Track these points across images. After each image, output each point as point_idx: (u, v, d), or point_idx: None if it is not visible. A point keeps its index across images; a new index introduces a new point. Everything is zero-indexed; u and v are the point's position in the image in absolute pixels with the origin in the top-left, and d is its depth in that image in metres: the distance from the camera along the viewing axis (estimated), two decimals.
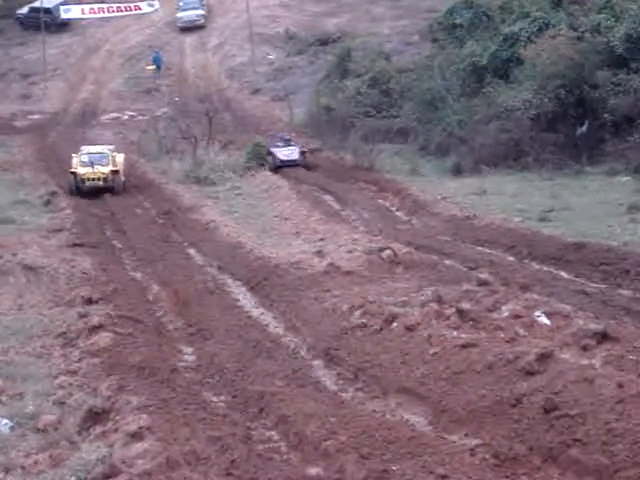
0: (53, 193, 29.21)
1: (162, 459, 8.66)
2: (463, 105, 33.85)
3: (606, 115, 29.47)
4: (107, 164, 30.32)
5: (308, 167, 33.88)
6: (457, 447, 9.86)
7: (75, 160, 30.82)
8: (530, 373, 10.98)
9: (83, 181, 29.90)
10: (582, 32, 31.44)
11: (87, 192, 29.81)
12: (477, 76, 34.79)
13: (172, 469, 8.49)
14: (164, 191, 30.46)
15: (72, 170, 30.22)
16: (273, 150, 33.97)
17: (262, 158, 33.90)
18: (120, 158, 31.46)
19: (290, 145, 34.50)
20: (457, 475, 8.82)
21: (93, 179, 29.88)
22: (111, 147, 32.11)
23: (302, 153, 34.12)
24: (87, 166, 30.06)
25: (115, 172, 30.35)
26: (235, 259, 20.88)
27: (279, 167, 33.27)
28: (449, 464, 9.13)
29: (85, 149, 31.44)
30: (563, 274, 18.22)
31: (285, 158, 33.60)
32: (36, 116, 44.52)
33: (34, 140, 39.79)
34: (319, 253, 20.49)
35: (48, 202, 28.05)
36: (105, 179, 30.03)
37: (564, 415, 9.80)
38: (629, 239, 19.41)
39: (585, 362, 11.29)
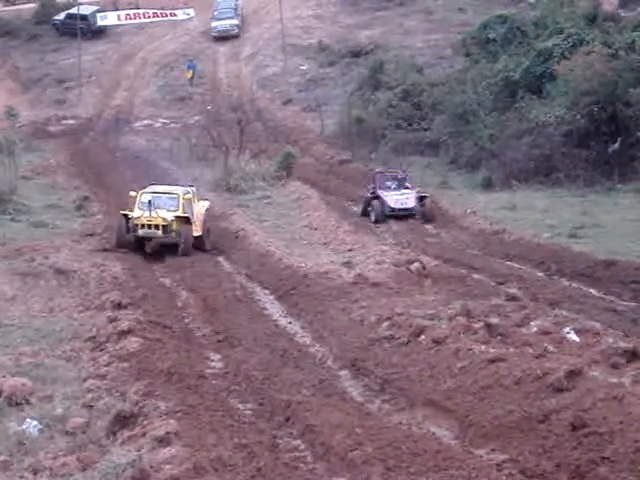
0: (85, 198, 29.41)
1: (189, 465, 8.70)
2: (495, 119, 33.80)
3: (639, 133, 29.30)
4: (173, 209, 23.07)
5: (429, 218, 26.99)
6: (484, 462, 9.82)
7: (131, 200, 23.87)
8: (559, 390, 10.93)
9: (135, 228, 22.76)
10: (616, 49, 31.34)
11: (139, 244, 22.98)
12: (509, 91, 34.74)
13: (199, 475, 8.53)
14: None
15: (124, 212, 23.19)
16: (381, 194, 27.31)
17: (368, 205, 27.61)
18: (202, 207, 24.19)
19: (404, 187, 27.85)
20: None
21: (148, 226, 22.60)
22: (192, 189, 24.62)
23: (421, 199, 27.28)
24: (150, 209, 22.77)
25: (184, 221, 22.77)
26: (264, 268, 20.94)
27: (388, 216, 26.99)
28: (475, 479, 9.10)
29: (151, 188, 24.12)
30: (593, 291, 18.13)
31: (397, 205, 27.06)
32: (70, 121, 44.91)
33: (68, 145, 40.13)
34: (347, 264, 20.52)
35: (80, 207, 28.27)
36: (165, 229, 22.58)
37: (592, 433, 9.74)
38: None
39: (614, 380, 11.21)
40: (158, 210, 22.71)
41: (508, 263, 21.06)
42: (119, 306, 17.03)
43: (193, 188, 24.61)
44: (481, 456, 10.10)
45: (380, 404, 12.56)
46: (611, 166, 29.43)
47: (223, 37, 54.16)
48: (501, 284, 18.76)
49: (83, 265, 20.41)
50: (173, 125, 43.65)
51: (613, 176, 29.09)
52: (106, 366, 13.49)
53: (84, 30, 51.57)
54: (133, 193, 23.77)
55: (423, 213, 26.99)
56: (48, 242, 22.82)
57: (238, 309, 17.67)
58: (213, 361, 14.62)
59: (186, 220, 22.70)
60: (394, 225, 26.72)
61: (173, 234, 22.56)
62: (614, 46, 31.70)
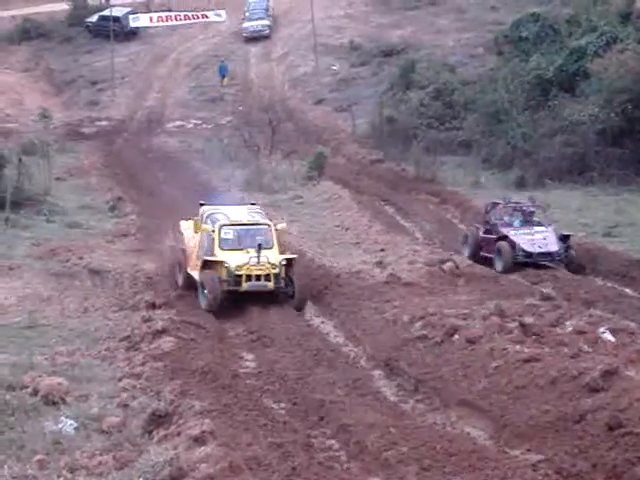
0: (118, 199, 29.59)
1: (225, 464, 8.75)
2: (527, 118, 33.57)
3: None
4: (267, 246, 18.09)
5: (577, 267, 20.23)
6: (519, 462, 9.79)
7: (188, 233, 19.20)
8: (594, 389, 10.88)
9: (236, 280, 17.59)
10: None
11: (240, 298, 17.78)
12: (542, 89, 34.49)
13: (234, 474, 8.57)
14: (226, 198, 30.65)
15: (209, 258, 18.02)
16: (507, 232, 20.85)
17: (479, 247, 21.52)
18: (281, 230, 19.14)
19: (534, 223, 21.30)
20: None
21: (257, 277, 17.67)
22: (256, 208, 19.90)
23: (563, 239, 20.66)
24: (235, 249, 17.99)
25: (288, 264, 18.11)
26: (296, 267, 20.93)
27: (521, 264, 20.29)
28: (511, 479, 9.08)
29: (213, 210, 19.11)
30: (627, 291, 18.01)
31: (535, 249, 20.34)
32: (103, 123, 45.17)
33: (101, 146, 40.38)
34: (380, 264, 20.49)
35: (113, 207, 28.43)
36: (277, 278, 17.80)
37: (629, 433, 9.69)
38: None
39: None
40: (249, 249, 17.83)
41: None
42: (153, 306, 17.14)
43: (257, 207, 19.86)
44: (516, 456, 10.07)
45: (414, 404, 12.56)
46: None
47: (254, 38, 54.22)
48: (535, 284, 18.67)
49: (117, 265, 20.54)
50: (205, 126, 43.77)
51: None
52: (141, 366, 13.59)
53: (117, 32, 51.84)
54: (185, 220, 19.31)
55: (570, 260, 20.24)
56: (82, 242, 22.99)
57: (271, 309, 17.68)
58: (247, 360, 14.68)
59: (290, 264, 18.04)
60: (426, 225, 26.65)
61: (283, 283, 17.85)
62: None
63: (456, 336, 14.15)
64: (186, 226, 19.65)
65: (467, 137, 35.50)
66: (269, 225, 18.61)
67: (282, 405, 12.43)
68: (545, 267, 20.28)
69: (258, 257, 17.66)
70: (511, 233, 20.89)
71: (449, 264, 19.90)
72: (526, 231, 20.89)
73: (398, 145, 36.44)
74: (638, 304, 16.67)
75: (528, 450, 10.18)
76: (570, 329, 13.92)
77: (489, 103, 34.99)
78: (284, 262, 17.95)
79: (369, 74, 46.92)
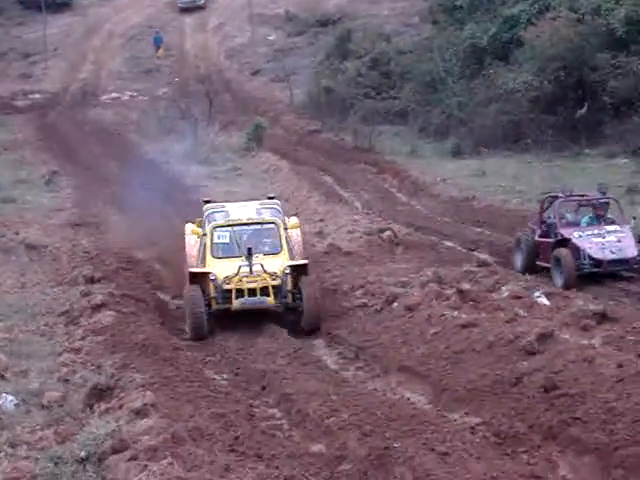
0: (54, 173, 29.21)
1: (167, 435, 8.78)
2: (463, 87, 33.83)
3: (605, 97, 29.46)
4: (274, 250, 14.99)
5: None
6: (458, 425, 9.98)
7: (191, 239, 15.64)
8: (530, 353, 11.11)
9: (224, 297, 14.36)
10: (582, 14, 31.36)
11: (233, 315, 14.59)
12: (477, 58, 34.73)
13: (177, 445, 8.61)
14: (164, 171, 30.47)
15: (193, 269, 14.81)
16: (569, 234, 16.67)
17: (535, 254, 17.00)
18: (295, 233, 15.81)
19: (607, 221, 17.01)
20: (458, 452, 8.93)
21: (251, 291, 14.28)
22: (276, 203, 16.13)
23: None
24: (232, 256, 14.68)
25: (298, 273, 14.64)
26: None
27: (588, 275, 16.11)
28: (450, 442, 9.25)
29: (215, 207, 15.79)
30: None
31: (606, 256, 16.15)
32: (37, 96, 44.46)
33: (35, 120, 39.77)
34: (320, 234, 20.59)
35: (49, 181, 28.08)
36: (279, 291, 14.37)
37: (564, 394, 9.92)
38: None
39: (585, 342, 11.42)
40: (258, 260, 14.35)
41: (479, 229, 21.22)
42: (92, 280, 17.00)
43: (277, 201, 16.22)
44: (455, 420, 10.26)
45: (355, 371, 12.70)
46: (578, 131, 29.57)
47: (189, 8, 53.71)
48: (472, 250, 18.93)
49: (54, 240, 20.34)
50: (141, 98, 43.33)
51: (581, 141, 29.26)
52: (81, 340, 13.51)
53: (49, 3, 50.96)
54: (193, 222, 15.95)
55: None
56: (18, 217, 22.70)
57: None
58: (187, 333, 14.65)
59: (303, 269, 14.57)
60: (364, 194, 26.79)
61: (290, 297, 14.41)
62: (580, 11, 31.73)
63: (395, 304, 14.32)
64: (190, 230, 15.82)
65: (404, 106, 35.69)
66: (275, 224, 14.96)
67: (224, 376, 12.49)
68: (616, 276, 16.27)
69: (250, 265, 14.11)
70: (574, 235, 16.46)
71: (388, 233, 20.09)
72: (594, 232, 16.47)
73: (336, 115, 36.51)
74: None
75: (466, 413, 10.38)
76: (506, 294, 14.17)
77: (425, 72, 35.18)
78: (288, 270, 14.28)
79: (305, 44, 46.86)
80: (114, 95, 44.27)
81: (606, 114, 29.70)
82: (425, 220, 22.73)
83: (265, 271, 14.24)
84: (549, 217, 17.44)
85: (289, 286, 14.37)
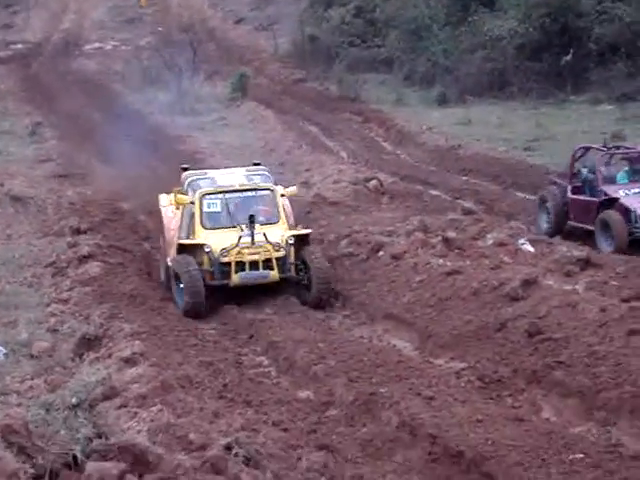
0: (38, 124, 29.02)
1: (156, 383, 8.88)
2: (448, 34, 33.67)
3: (591, 44, 29.44)
4: (271, 220, 13.78)
5: None
6: (443, 370, 10.14)
7: (168, 210, 14.36)
8: (514, 299, 11.24)
9: (225, 270, 13.10)
10: None
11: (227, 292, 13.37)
12: (462, 5, 34.55)
13: (166, 392, 8.72)
14: (149, 122, 30.35)
15: (182, 241, 13.55)
16: (616, 192, 14.93)
17: (562, 216, 15.58)
18: (286, 201, 14.39)
19: None
20: (443, 397, 9.08)
21: (252, 264, 13.10)
22: (264, 169, 14.61)
23: None
24: (225, 226, 13.53)
25: (301, 243, 13.63)
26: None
27: (638, 237, 14.36)
28: (435, 386, 9.40)
29: (198, 175, 14.32)
30: None
31: None
32: (19, 46, 44.01)
33: (17, 70, 39.40)
34: (305, 184, 20.58)
35: (33, 132, 27.90)
36: (283, 263, 13.26)
37: (548, 339, 10.07)
38: None
39: (568, 288, 11.54)
40: (243, 226, 13.26)
41: (464, 178, 21.27)
42: (78, 231, 16.99)
43: (264, 167, 14.75)
44: (440, 365, 10.41)
45: (341, 319, 12.80)
46: (564, 78, 29.56)
47: None
48: (457, 199, 19.00)
49: (39, 191, 20.26)
50: (124, 48, 42.97)
51: (566, 88, 29.26)
52: (68, 291, 13.55)
53: None
54: (169, 197, 14.40)
55: None
56: (2, 169, 22.58)
57: None
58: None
59: (305, 239, 13.67)
60: (350, 144, 26.76)
61: (292, 269, 13.36)
62: None
63: (381, 252, 14.39)
64: (166, 201, 14.59)
65: (389, 55, 35.53)
66: (272, 190, 13.77)
67: (212, 325, 12.58)
68: None
69: (252, 235, 12.98)
70: (621, 194, 14.67)
71: (373, 182, 20.12)
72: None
73: (320, 64, 36.35)
74: None
75: (452, 359, 10.53)
76: (491, 242, 14.25)
77: (410, 20, 34.95)
78: (292, 240, 13.27)
79: None
80: (97, 45, 43.90)
81: (591, 61, 29.70)
82: (411, 169, 22.75)
83: (268, 241, 13.03)
84: (585, 172, 15.58)
85: (292, 258, 13.27)
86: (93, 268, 14.43)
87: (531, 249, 13.69)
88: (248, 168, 14.60)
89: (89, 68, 39.09)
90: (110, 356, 10.28)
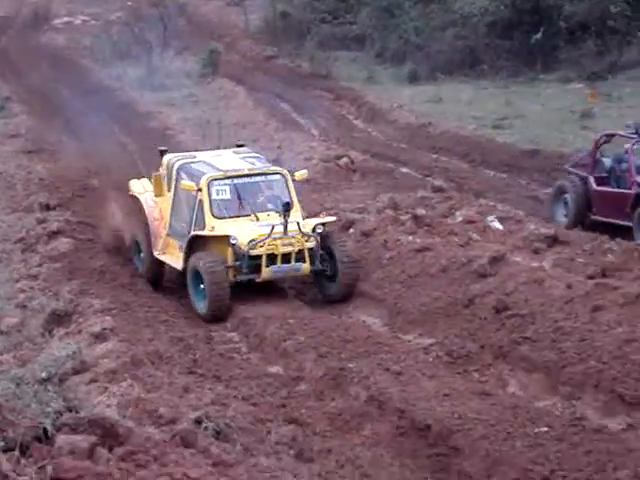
0: (6, 99, 28.74)
1: (127, 358, 8.93)
2: (419, 11, 33.68)
3: (561, 22, 29.56)
4: (291, 207, 12.32)
5: None
6: (412, 346, 10.25)
7: (147, 198, 13.40)
8: (482, 275, 11.36)
9: (252, 264, 11.93)
10: None
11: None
12: None
13: (137, 367, 8.76)
14: (119, 97, 30.16)
15: (196, 233, 12.24)
16: None
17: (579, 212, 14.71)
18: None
19: None
20: (411, 372, 9.19)
21: (286, 256, 11.98)
22: (248, 150, 14.04)
23: None
24: (238, 215, 12.32)
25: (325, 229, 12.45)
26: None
27: None
28: (404, 362, 9.50)
29: (186, 158, 13.18)
30: (516, 180, 18.56)
31: None
32: None
33: None
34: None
35: (2, 107, 27.63)
36: (313, 254, 12.15)
37: (515, 315, 10.21)
38: (581, 146, 19.71)
39: (535, 264, 11.68)
40: (259, 214, 12.26)
41: (434, 156, 21.37)
42: (47, 207, 16.92)
43: (247, 148, 14.25)
44: (409, 340, 10.53)
45: (312, 296, 12.86)
46: (534, 56, 29.69)
47: None
48: (427, 176, 19.10)
49: (8, 167, 20.13)
50: (93, 22, 42.57)
51: (536, 66, 29.41)
52: (38, 267, 13.51)
53: None
54: (144, 183, 13.72)
55: None
56: None
57: None
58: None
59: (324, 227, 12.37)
60: (321, 121, 26.76)
61: (318, 258, 12.20)
62: None
63: (352, 230, 14.45)
64: (140, 187, 13.77)
65: (360, 32, 35.47)
66: (283, 174, 12.71)
67: (182, 302, 12.59)
68: None
69: (285, 224, 11.82)
70: None
71: (344, 159, 20.17)
72: None
73: (292, 41, 36.23)
74: (525, 193, 17.26)
75: (420, 334, 10.65)
76: (460, 219, 14.37)
77: None
78: (320, 229, 12.18)
79: None
80: (66, 19, 43.45)
81: (561, 39, 29.88)
82: (382, 146, 22.81)
83: (301, 231, 11.94)
84: (609, 162, 14.52)
85: (319, 248, 12.14)
86: (62, 244, 14.38)
87: (500, 227, 13.83)
88: (234, 150, 13.76)
89: (58, 43, 38.75)
90: (80, 332, 10.30)
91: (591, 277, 10.80)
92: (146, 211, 13.26)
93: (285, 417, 8.39)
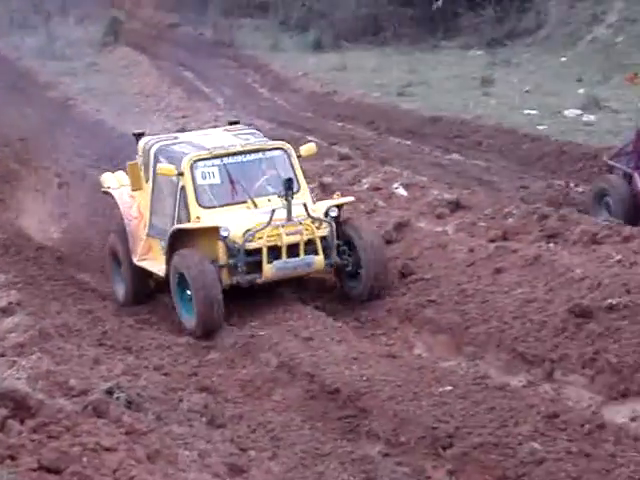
0: None
1: (34, 332, 8.86)
2: None
3: None
4: (295, 190, 9.95)
5: None
6: (320, 313, 10.38)
7: (123, 194, 11.12)
8: (389, 241, 11.55)
9: (250, 261, 9.83)
10: None
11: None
12: None
13: (45, 340, 8.71)
14: (17, 67, 29.51)
15: (179, 226, 10.08)
16: None
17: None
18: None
19: None
20: (320, 337, 9.34)
21: (290, 249, 9.87)
22: (243, 127, 11.87)
23: None
24: (231, 202, 10.17)
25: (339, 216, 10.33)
26: (97, 137, 20.64)
27: None
28: (313, 328, 9.64)
29: (166, 140, 10.84)
30: (420, 147, 18.84)
31: None
32: None
33: None
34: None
35: None
36: (327, 245, 10.07)
37: (420, 279, 10.44)
38: (482, 112, 20.14)
39: (439, 229, 11.95)
40: (257, 200, 10.11)
41: (340, 124, 21.51)
42: None
43: (241, 125, 12.07)
44: (317, 307, 10.63)
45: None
46: (435, 23, 30.10)
47: None
48: (334, 144, 19.24)
49: None
50: None
51: (437, 33, 29.82)
52: None
53: None
54: (119, 176, 11.42)
55: None
56: None
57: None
58: (52, 232, 14.55)
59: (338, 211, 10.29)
60: (226, 90, 26.65)
61: (334, 250, 10.12)
62: None
63: None
64: (114, 182, 11.40)
65: None
66: (286, 150, 10.53)
67: (90, 274, 12.52)
68: None
69: (289, 208, 9.74)
70: None
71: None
72: None
73: (195, 8, 35.93)
74: (429, 160, 17.55)
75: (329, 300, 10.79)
76: (366, 186, 14.56)
77: None
78: (334, 212, 10.13)
79: None
80: None
81: (461, 6, 30.32)
82: (287, 115, 22.86)
83: (310, 216, 9.80)
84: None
85: (334, 237, 10.02)
86: None
87: (404, 193, 14.06)
88: (226, 128, 11.52)
89: None
90: None
91: (492, 240, 11.09)
92: (121, 209, 10.98)
93: (197, 385, 8.47)
